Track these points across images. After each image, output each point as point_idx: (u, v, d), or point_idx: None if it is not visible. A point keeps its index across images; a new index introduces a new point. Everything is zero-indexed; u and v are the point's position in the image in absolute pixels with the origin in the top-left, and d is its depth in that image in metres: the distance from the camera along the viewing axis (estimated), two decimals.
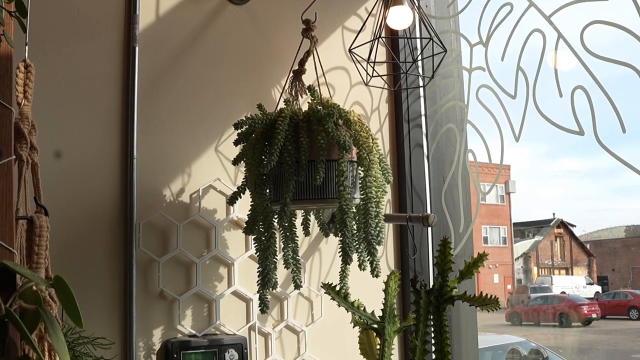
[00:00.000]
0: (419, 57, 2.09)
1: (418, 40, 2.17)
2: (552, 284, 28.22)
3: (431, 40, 1.96)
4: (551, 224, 33.96)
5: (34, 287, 1.04)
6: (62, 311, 1.13)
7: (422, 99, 2.32)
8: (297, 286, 1.75)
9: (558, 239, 33.47)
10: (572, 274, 31.89)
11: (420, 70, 2.26)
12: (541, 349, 6.31)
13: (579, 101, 1.88)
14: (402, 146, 2.27)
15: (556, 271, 32.76)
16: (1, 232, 1.05)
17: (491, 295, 1.40)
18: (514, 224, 40.16)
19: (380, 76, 2.03)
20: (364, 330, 1.66)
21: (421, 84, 2.21)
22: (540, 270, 33.39)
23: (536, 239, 33.67)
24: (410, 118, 2.29)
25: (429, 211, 2.26)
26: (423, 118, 2.32)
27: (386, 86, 2.14)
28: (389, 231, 2.22)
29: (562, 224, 33.67)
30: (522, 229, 39.31)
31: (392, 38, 2.15)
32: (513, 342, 7.34)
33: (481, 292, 1.45)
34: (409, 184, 2.25)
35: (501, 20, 2.07)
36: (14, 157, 1.12)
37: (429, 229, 2.26)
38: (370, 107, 2.24)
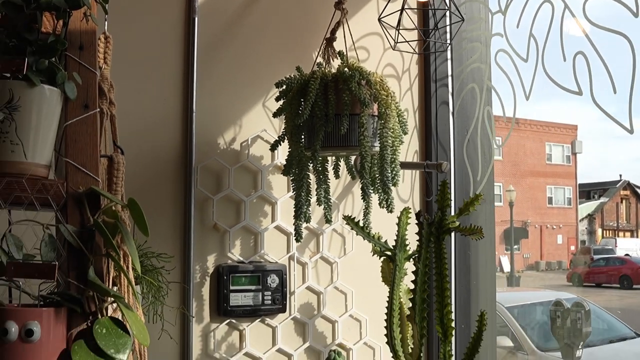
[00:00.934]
0: (437, 27, 2.35)
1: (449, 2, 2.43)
2: (616, 246, 27.95)
3: (449, 11, 2.22)
4: (617, 185, 33.41)
5: (114, 207, 1.39)
6: (133, 232, 1.48)
7: (449, 61, 2.59)
8: (328, 221, 2.07)
9: (624, 201, 32.95)
10: (637, 237, 31.43)
11: (447, 36, 2.53)
12: (584, 302, 6.52)
13: (580, 65, 2.13)
14: (430, 103, 2.55)
15: (621, 233, 32.34)
16: (89, 165, 1.40)
17: (476, 226, 1.70)
18: (579, 184, 39.59)
19: (407, 42, 2.30)
20: (381, 257, 1.98)
21: (442, 48, 2.48)
22: (604, 232, 33.00)
23: (601, 200, 33.20)
24: (438, 78, 2.56)
25: (452, 161, 2.55)
26: (449, 78, 2.58)
27: (411, 50, 2.41)
28: (415, 179, 2.51)
29: (629, 186, 33.08)
30: (588, 190, 38.70)
31: (416, 9, 2.42)
32: (564, 298, 7.53)
33: (471, 224, 1.75)
34: (435, 136, 2.53)
35: None
36: (98, 109, 1.46)
37: (452, 177, 2.55)
38: (401, 68, 2.52)
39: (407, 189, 2.49)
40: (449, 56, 2.58)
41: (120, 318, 1.27)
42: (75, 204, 1.34)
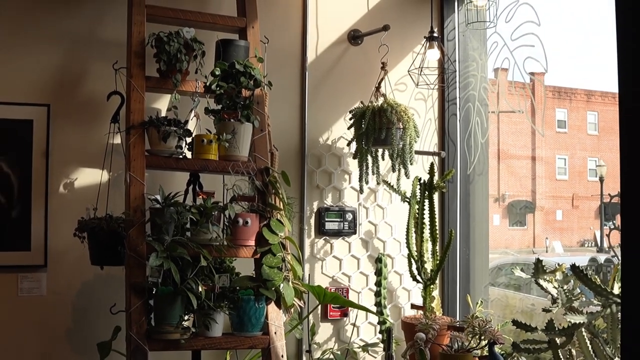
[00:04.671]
0: (445, 72, 4.07)
1: (448, 62, 4.14)
2: None
3: (450, 65, 3.94)
4: None
5: (275, 174, 3.21)
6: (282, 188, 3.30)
7: (457, 89, 4.29)
8: (378, 183, 3.86)
9: None
10: None
11: (457, 75, 4.23)
12: (613, 259, 7.93)
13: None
14: (444, 115, 4.27)
15: None
16: (265, 156, 3.23)
17: (444, 185, 3.44)
18: None
19: (427, 84, 4.03)
20: (404, 202, 3.74)
21: (437, 86, 4.20)
22: None
23: None
24: (449, 100, 4.27)
25: (458, 150, 4.26)
26: (457, 99, 4.29)
27: (429, 87, 4.12)
28: (436, 161, 4.24)
29: None
30: None
31: (428, 67, 4.11)
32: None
33: (442, 184, 3.50)
34: (447, 135, 4.26)
35: (492, 50, 4.00)
36: (266, 131, 3.29)
37: (458, 158, 4.26)
38: (427, 94, 4.25)
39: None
40: (457, 86, 4.29)
41: (280, 219, 3.11)
42: (260, 173, 3.19)
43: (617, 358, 2.72)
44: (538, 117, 4.82)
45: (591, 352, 2.76)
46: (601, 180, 30.11)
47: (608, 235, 3.02)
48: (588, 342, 2.74)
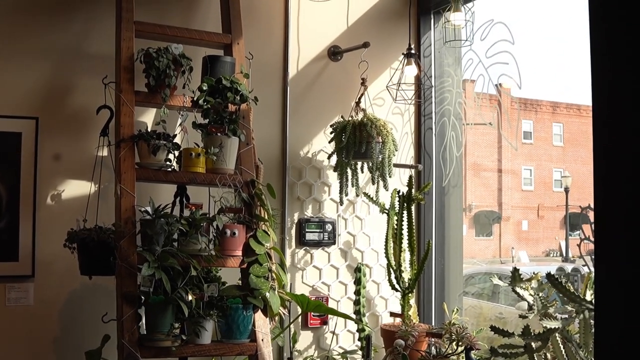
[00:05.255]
0: (420, 88, 4.22)
1: (425, 78, 4.30)
2: None
3: (426, 81, 4.09)
4: None
5: (260, 186, 3.32)
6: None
7: (432, 104, 4.44)
8: (357, 195, 3.98)
9: None
10: None
11: (433, 92, 4.39)
12: (579, 268, 8.18)
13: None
14: (421, 128, 4.42)
15: None
16: (250, 169, 3.34)
17: (422, 197, 3.58)
18: None
19: (405, 99, 4.17)
20: (383, 214, 3.87)
21: (413, 101, 4.35)
22: None
23: None
24: (425, 114, 4.42)
25: (433, 163, 4.41)
26: (433, 114, 4.44)
27: (407, 102, 4.27)
28: (413, 173, 4.38)
29: None
30: None
31: (405, 83, 4.26)
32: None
33: (421, 196, 3.63)
34: (423, 148, 4.40)
35: (467, 66, 4.16)
36: (251, 145, 3.39)
37: (434, 171, 4.40)
38: (404, 108, 4.40)
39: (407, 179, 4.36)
40: (433, 101, 4.45)
41: (266, 230, 3.22)
42: (246, 185, 3.29)
43: None
44: (508, 130, 4.99)
45: (564, 356, 2.91)
46: (566, 190, 30.66)
47: (579, 245, 3.17)
48: (562, 347, 2.89)
